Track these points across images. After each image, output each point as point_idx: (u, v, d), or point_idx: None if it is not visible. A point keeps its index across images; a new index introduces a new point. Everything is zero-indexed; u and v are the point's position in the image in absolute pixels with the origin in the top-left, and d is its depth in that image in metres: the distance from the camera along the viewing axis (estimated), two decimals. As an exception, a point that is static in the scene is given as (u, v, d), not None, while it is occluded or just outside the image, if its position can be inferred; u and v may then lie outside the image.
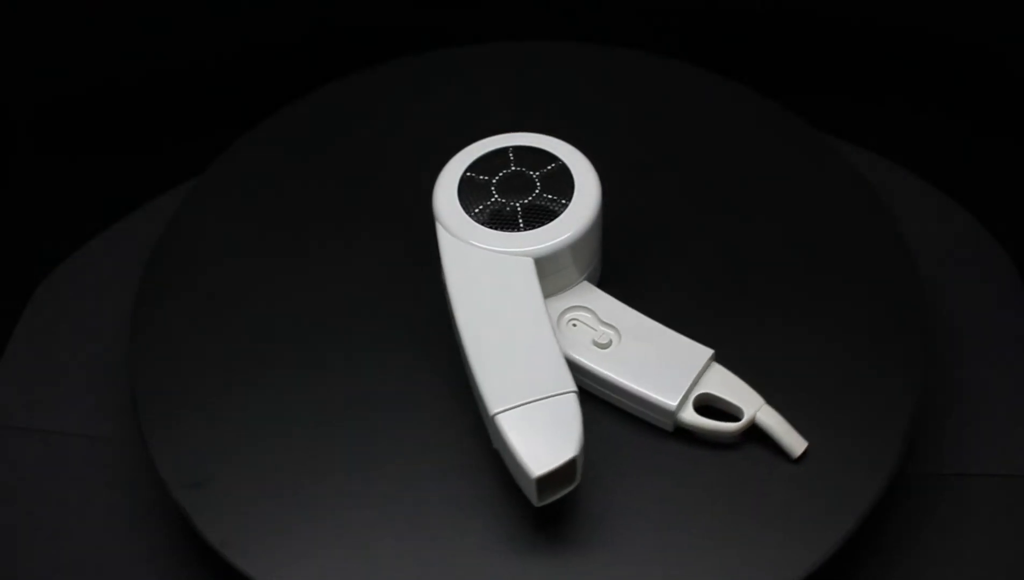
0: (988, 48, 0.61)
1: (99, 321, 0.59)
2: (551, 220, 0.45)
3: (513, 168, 0.47)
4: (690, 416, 0.44)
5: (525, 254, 0.44)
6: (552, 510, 0.42)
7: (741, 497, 0.44)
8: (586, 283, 0.47)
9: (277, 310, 0.50)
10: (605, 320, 0.46)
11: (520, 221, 0.45)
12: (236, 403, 0.47)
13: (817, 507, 0.43)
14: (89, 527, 0.51)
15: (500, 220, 0.45)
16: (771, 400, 0.44)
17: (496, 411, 0.40)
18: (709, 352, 0.45)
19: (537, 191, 0.46)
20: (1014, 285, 0.60)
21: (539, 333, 0.42)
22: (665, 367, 0.44)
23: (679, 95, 0.59)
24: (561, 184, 0.46)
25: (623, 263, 0.50)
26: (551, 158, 0.47)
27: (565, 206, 0.45)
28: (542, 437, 0.39)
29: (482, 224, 0.45)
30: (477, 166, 0.47)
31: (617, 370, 0.44)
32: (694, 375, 0.44)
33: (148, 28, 0.62)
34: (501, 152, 0.47)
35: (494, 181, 0.46)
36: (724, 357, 0.45)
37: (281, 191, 0.55)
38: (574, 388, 0.41)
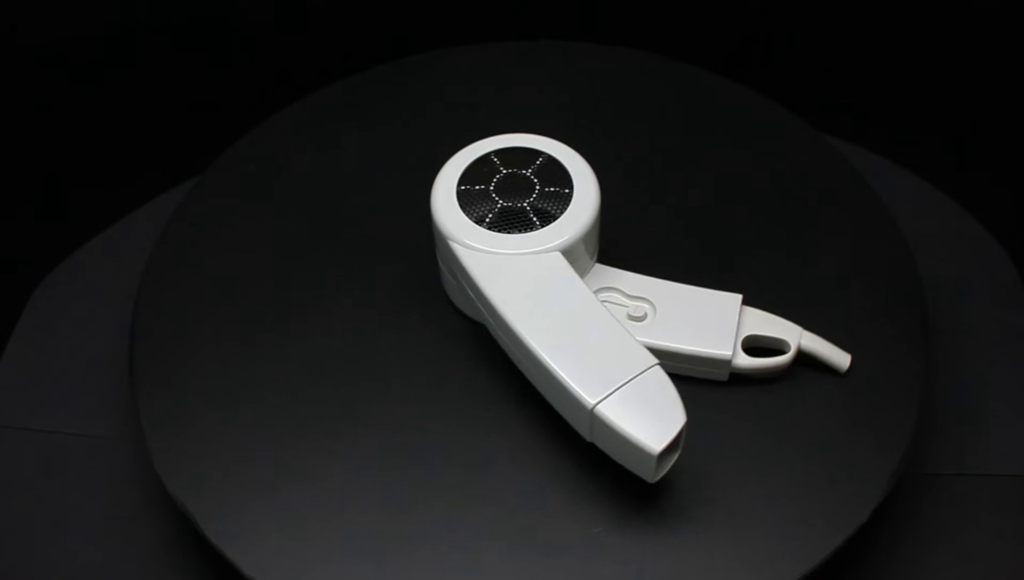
0: (988, 48, 0.61)
1: (99, 321, 0.59)
2: (564, 210, 0.45)
3: (505, 171, 0.47)
4: (744, 361, 0.45)
5: (553, 249, 0.44)
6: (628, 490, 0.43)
7: (742, 499, 0.44)
8: (599, 265, 0.47)
9: (277, 310, 0.50)
10: (634, 294, 0.46)
11: (534, 219, 0.45)
12: (236, 403, 0.47)
13: (817, 507, 0.43)
14: (88, 527, 0.51)
15: (514, 223, 0.45)
16: (773, 400, 0.44)
17: (595, 403, 0.40)
18: (738, 297, 0.46)
19: (537, 188, 0.46)
20: (1014, 285, 0.60)
21: (600, 320, 0.42)
22: (706, 322, 0.45)
23: (679, 95, 0.59)
24: (557, 176, 0.46)
25: (621, 245, 0.50)
26: (536, 154, 0.47)
27: (571, 195, 0.46)
28: (648, 414, 0.40)
29: (499, 232, 0.45)
30: (469, 177, 0.46)
31: (665, 337, 0.45)
32: (735, 321, 0.45)
33: (148, 28, 0.62)
34: (485, 158, 0.47)
35: (491, 188, 0.46)
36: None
37: (281, 191, 0.55)
38: (655, 361, 0.41)
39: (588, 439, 0.42)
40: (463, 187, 0.46)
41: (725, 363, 0.45)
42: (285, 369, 0.48)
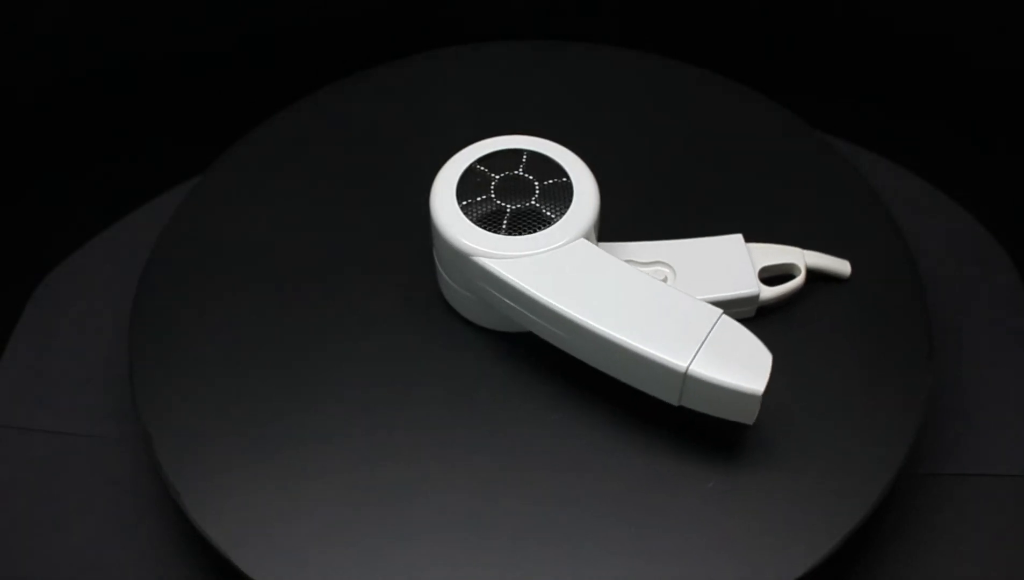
0: (988, 49, 0.61)
1: (99, 321, 0.59)
2: (571, 198, 0.45)
3: (497, 176, 0.46)
4: (768, 292, 0.48)
5: (577, 236, 0.45)
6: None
7: (742, 499, 0.44)
8: (603, 243, 0.47)
9: (278, 310, 0.50)
10: (649, 260, 0.47)
11: (548, 213, 0.45)
12: (237, 402, 0.47)
13: (818, 507, 0.43)
14: (89, 527, 0.51)
15: (529, 222, 0.45)
16: (772, 401, 0.45)
17: (687, 366, 0.41)
18: (739, 236, 0.49)
19: (536, 184, 0.46)
20: (1014, 285, 0.60)
21: (652, 289, 0.43)
22: (724, 267, 0.48)
23: (679, 94, 0.59)
24: (547, 168, 0.46)
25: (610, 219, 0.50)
26: (519, 153, 0.47)
27: (570, 183, 0.46)
28: (737, 360, 0.41)
29: (520, 234, 0.44)
30: (465, 191, 0.46)
31: (695, 290, 0.46)
32: (748, 259, 0.48)
33: (148, 28, 0.62)
34: (472, 169, 0.46)
35: (493, 196, 0.46)
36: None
37: (282, 192, 0.55)
38: (720, 311, 0.42)
39: (677, 403, 0.43)
40: (465, 202, 0.45)
41: (754, 299, 0.47)
42: (286, 369, 0.48)
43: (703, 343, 0.41)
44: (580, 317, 0.42)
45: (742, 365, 0.41)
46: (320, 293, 0.51)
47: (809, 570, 0.41)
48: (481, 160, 0.47)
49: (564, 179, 0.46)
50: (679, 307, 0.43)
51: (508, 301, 0.44)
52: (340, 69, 0.62)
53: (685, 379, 0.41)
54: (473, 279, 0.45)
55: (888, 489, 0.44)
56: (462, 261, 0.45)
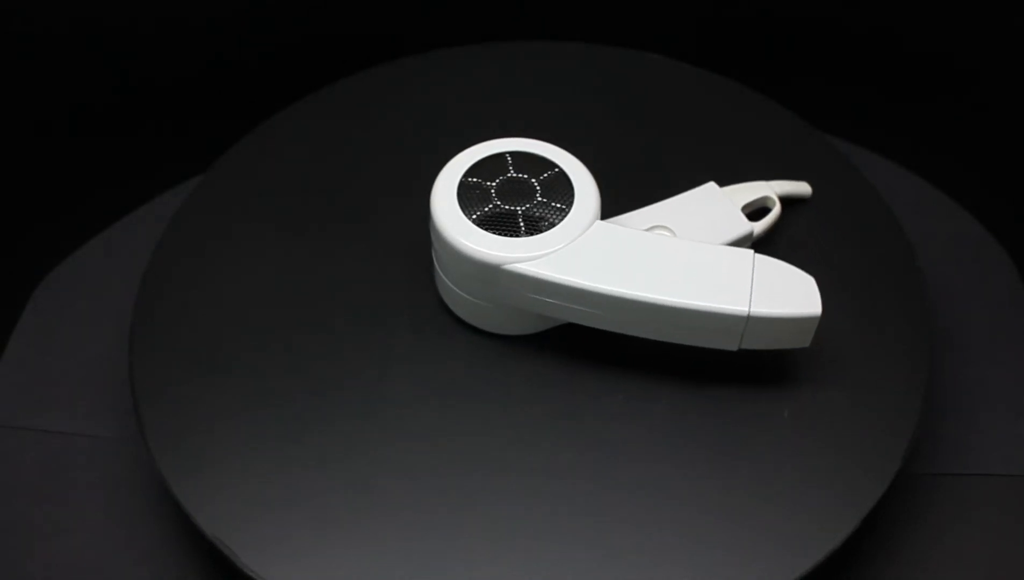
0: (989, 49, 0.61)
1: (99, 321, 0.59)
2: (571, 188, 0.46)
3: (491, 183, 0.46)
4: (757, 227, 0.50)
5: (593, 220, 0.45)
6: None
7: (741, 497, 0.44)
8: (610, 220, 0.48)
9: (278, 310, 0.50)
10: (649, 225, 0.49)
11: (559, 204, 0.45)
12: (236, 403, 0.47)
13: (818, 507, 0.43)
14: (89, 527, 0.51)
15: (544, 218, 0.45)
16: (772, 401, 0.45)
17: (748, 310, 0.43)
18: (711, 183, 0.51)
19: (534, 182, 0.46)
20: (1014, 285, 0.60)
21: (681, 247, 0.45)
22: (713, 217, 0.50)
23: (678, 94, 0.59)
24: (536, 164, 0.46)
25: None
26: (501, 156, 0.47)
27: (564, 172, 0.46)
28: (787, 290, 0.43)
29: (539, 233, 0.44)
30: (469, 204, 0.45)
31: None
32: (730, 202, 0.50)
33: (148, 28, 0.62)
34: (465, 183, 0.46)
35: (499, 202, 0.45)
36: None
37: (282, 192, 0.55)
38: (751, 249, 0.45)
39: (737, 348, 0.44)
40: (475, 216, 0.45)
41: (749, 237, 0.50)
42: (286, 369, 0.48)
43: (752, 284, 0.43)
44: (634, 293, 0.43)
45: (793, 293, 0.43)
46: (323, 291, 0.51)
47: (809, 570, 0.41)
48: (470, 171, 0.46)
49: (556, 170, 0.46)
50: (714, 258, 0.44)
51: (550, 299, 0.44)
52: (341, 70, 0.62)
53: (748, 322, 0.43)
54: (505, 287, 0.45)
55: (888, 489, 0.44)
56: (489, 273, 0.44)
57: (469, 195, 0.46)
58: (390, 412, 0.46)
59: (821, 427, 0.45)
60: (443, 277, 0.47)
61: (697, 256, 0.44)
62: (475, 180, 0.46)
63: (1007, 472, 0.52)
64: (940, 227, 0.63)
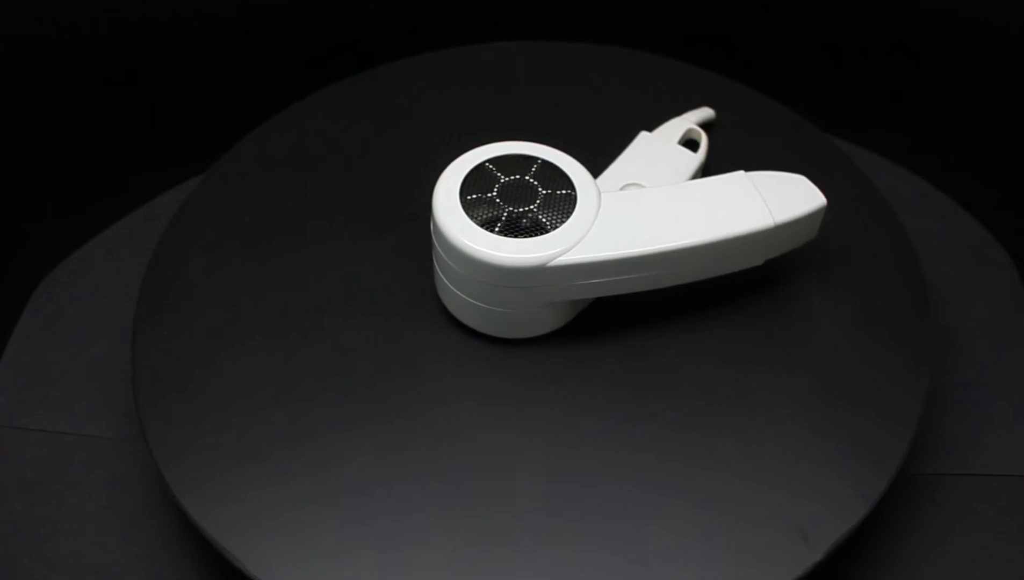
0: (989, 50, 0.61)
1: (99, 321, 0.59)
2: (565, 176, 0.46)
3: (494, 192, 0.46)
4: (701, 156, 0.53)
5: (600, 198, 0.46)
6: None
7: (740, 497, 0.44)
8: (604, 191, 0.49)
9: (278, 310, 0.50)
10: (622, 186, 0.51)
11: (564, 192, 0.46)
12: (237, 403, 0.47)
13: (818, 506, 0.43)
14: (89, 527, 0.51)
15: (557, 210, 0.45)
16: (773, 402, 0.45)
17: (774, 221, 0.45)
18: (643, 132, 0.54)
19: (532, 180, 0.46)
20: (1014, 285, 0.60)
21: (681, 189, 0.47)
22: (666, 161, 0.52)
23: (679, 94, 0.59)
24: (521, 161, 0.47)
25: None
26: (483, 168, 0.47)
27: (551, 163, 0.46)
28: (789, 193, 0.46)
29: (554, 231, 0.44)
30: (477, 212, 0.45)
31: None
32: (667, 142, 0.53)
33: (148, 29, 0.62)
34: (463, 187, 0.46)
35: (506, 211, 0.45)
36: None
37: (282, 192, 0.55)
38: (740, 171, 0.47)
39: (762, 262, 0.47)
40: (496, 228, 0.45)
41: (701, 167, 0.53)
42: (287, 369, 0.48)
43: (761, 197, 0.46)
44: (672, 245, 0.45)
45: (797, 194, 0.46)
46: (323, 291, 0.51)
47: (809, 569, 0.41)
48: (464, 188, 0.46)
49: (540, 162, 0.46)
50: (712, 188, 0.46)
51: (596, 280, 0.45)
52: (341, 70, 0.62)
53: (774, 232, 0.45)
54: (543, 286, 0.45)
55: (888, 489, 0.44)
56: (529, 276, 0.44)
57: (477, 211, 0.45)
58: (393, 413, 0.46)
59: (821, 427, 0.45)
60: (455, 290, 0.47)
61: (702, 193, 0.46)
62: (475, 196, 0.46)
63: (1007, 472, 0.52)
64: (940, 227, 0.63)
